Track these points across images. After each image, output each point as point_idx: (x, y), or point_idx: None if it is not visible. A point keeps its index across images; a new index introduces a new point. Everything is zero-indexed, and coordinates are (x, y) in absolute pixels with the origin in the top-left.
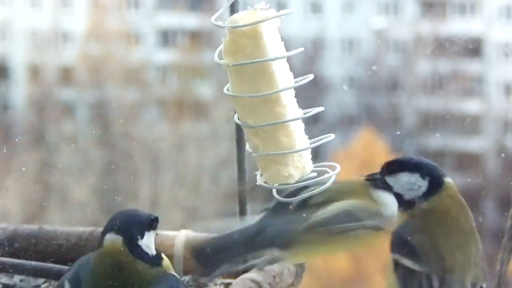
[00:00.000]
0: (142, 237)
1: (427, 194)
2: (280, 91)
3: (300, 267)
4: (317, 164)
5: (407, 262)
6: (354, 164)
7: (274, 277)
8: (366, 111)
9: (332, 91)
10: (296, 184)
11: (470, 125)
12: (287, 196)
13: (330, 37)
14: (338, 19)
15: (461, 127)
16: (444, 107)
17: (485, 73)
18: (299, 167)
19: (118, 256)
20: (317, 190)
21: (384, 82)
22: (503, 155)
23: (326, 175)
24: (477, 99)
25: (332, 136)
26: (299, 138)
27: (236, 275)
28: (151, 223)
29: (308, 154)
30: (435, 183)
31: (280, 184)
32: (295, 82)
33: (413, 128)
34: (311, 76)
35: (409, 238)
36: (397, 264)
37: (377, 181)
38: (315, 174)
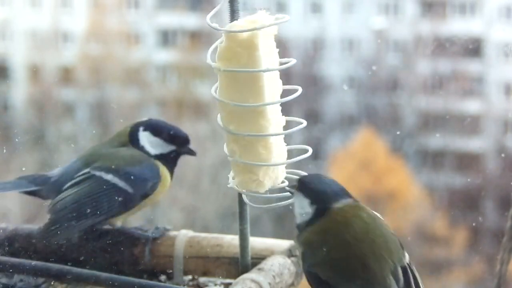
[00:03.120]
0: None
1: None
2: (267, 104)
3: (300, 267)
4: (290, 171)
5: None
6: (354, 164)
7: (274, 277)
8: (366, 111)
9: (332, 91)
10: (265, 195)
11: (470, 125)
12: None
13: (330, 37)
14: (338, 19)
15: (461, 127)
16: (444, 107)
17: (485, 73)
18: (272, 177)
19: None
20: (286, 202)
21: (384, 82)
22: (503, 155)
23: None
24: (477, 99)
25: (308, 152)
26: (276, 151)
27: (236, 275)
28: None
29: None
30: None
31: (249, 191)
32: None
33: (413, 128)
34: (299, 90)
35: (321, 276)
36: None
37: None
38: (286, 183)
